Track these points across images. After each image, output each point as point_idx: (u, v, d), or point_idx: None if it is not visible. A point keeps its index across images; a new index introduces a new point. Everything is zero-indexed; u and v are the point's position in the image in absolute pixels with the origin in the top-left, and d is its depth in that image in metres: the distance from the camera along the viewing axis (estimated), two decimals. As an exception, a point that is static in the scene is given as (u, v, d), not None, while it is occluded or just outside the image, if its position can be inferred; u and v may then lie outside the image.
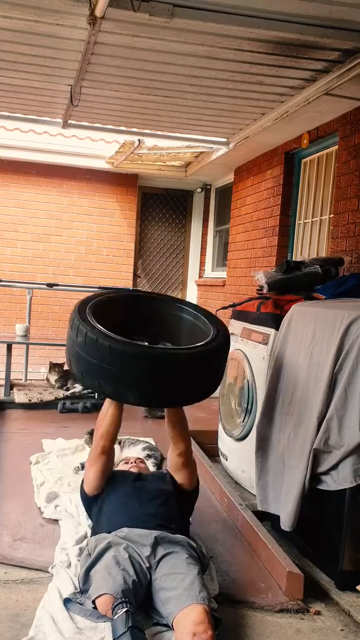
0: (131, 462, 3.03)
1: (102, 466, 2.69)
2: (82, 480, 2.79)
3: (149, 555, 2.28)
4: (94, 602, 2.11)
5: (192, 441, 4.20)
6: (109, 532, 2.43)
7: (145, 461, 3.30)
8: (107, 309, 2.92)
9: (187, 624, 1.97)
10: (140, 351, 2.47)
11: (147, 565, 2.26)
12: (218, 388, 2.86)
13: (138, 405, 2.69)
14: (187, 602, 2.05)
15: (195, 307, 3.15)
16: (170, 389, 2.54)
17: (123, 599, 2.00)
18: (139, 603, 2.15)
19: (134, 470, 2.91)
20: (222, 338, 2.74)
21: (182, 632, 1.96)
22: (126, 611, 1.94)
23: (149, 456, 3.73)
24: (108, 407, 2.70)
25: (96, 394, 5.43)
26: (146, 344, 2.99)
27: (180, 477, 2.73)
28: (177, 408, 2.72)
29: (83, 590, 2.25)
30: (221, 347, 2.71)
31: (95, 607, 2.12)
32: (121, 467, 3.01)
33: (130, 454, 3.53)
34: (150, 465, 3.45)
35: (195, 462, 2.83)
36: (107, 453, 2.71)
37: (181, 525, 2.57)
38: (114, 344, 2.42)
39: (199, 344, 2.65)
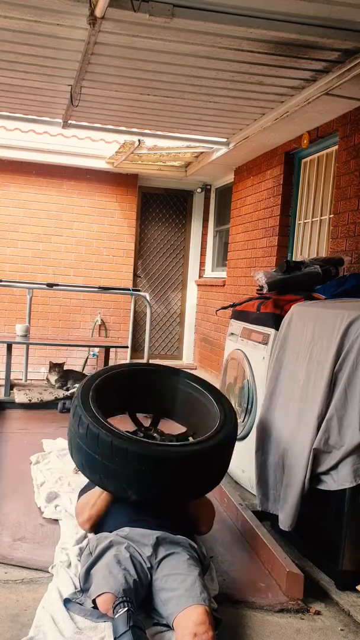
0: None
1: (92, 531, 2.69)
2: (79, 495, 2.81)
3: (150, 556, 2.28)
4: (94, 601, 2.11)
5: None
6: (110, 531, 2.43)
7: None
8: (109, 387, 2.84)
9: (188, 624, 1.97)
10: (142, 450, 2.40)
11: (148, 565, 2.26)
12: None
13: (139, 501, 2.63)
14: (188, 602, 2.05)
15: (204, 384, 3.07)
16: (174, 486, 2.48)
17: (124, 598, 2.00)
18: (140, 603, 2.15)
19: None
20: (229, 426, 2.65)
21: (183, 633, 1.96)
22: (127, 610, 1.94)
23: None
24: (100, 494, 2.65)
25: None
26: (147, 427, 2.92)
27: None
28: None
29: (84, 589, 2.25)
30: (228, 438, 2.63)
31: (95, 607, 2.12)
32: None
33: None
34: None
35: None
36: (94, 526, 2.68)
37: (183, 526, 2.57)
38: (116, 441, 2.37)
39: (204, 437, 2.56)
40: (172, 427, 3.18)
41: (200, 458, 2.48)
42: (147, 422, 3.15)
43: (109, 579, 2.10)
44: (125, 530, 2.40)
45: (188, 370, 3.31)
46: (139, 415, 3.17)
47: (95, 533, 2.67)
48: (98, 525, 2.65)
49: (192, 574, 2.18)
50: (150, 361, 6.65)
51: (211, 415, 2.77)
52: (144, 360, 6.37)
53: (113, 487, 2.53)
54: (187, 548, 2.36)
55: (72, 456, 2.69)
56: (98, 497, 2.65)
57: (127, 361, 6.73)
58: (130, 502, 2.54)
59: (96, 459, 2.45)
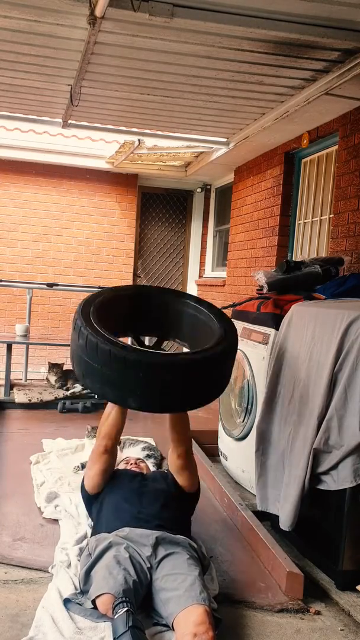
0: (131, 463, 3.03)
1: (104, 465, 2.69)
2: (83, 479, 2.79)
3: (149, 556, 2.28)
4: (94, 601, 2.11)
5: (193, 441, 4.21)
6: (110, 532, 2.43)
7: (145, 461, 3.30)
8: (113, 306, 2.86)
9: (188, 624, 1.97)
10: (140, 357, 2.42)
11: (148, 565, 2.26)
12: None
13: (140, 411, 2.66)
14: (187, 602, 2.05)
15: (206, 304, 3.08)
16: (173, 395, 2.50)
17: (124, 598, 2.00)
18: (139, 603, 2.15)
19: (134, 470, 2.91)
20: (229, 340, 2.67)
21: (183, 633, 1.96)
22: (127, 611, 1.94)
23: (148, 456, 3.73)
24: (111, 409, 2.69)
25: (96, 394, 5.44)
26: (150, 346, 2.96)
27: (180, 479, 2.73)
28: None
29: (84, 591, 2.25)
30: (227, 350, 2.63)
31: (95, 607, 2.12)
32: (121, 467, 3.01)
33: (131, 454, 3.53)
34: (151, 465, 3.45)
35: (195, 463, 2.82)
36: (110, 452, 2.70)
37: (182, 526, 2.57)
38: (115, 349, 2.39)
39: (204, 347, 2.59)
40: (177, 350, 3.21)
41: (199, 366, 2.49)
42: (151, 344, 3.18)
43: (108, 580, 2.10)
44: (125, 531, 2.40)
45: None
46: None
47: (96, 521, 2.68)
48: (98, 521, 2.64)
49: (192, 574, 2.18)
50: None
51: (213, 333, 2.77)
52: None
53: (113, 396, 2.55)
54: (186, 548, 2.36)
55: (73, 367, 2.71)
56: (108, 414, 2.68)
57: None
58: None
59: (96, 368, 2.46)
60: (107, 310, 2.77)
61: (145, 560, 2.27)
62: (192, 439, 4.22)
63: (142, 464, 3.07)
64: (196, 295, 8.24)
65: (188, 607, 2.02)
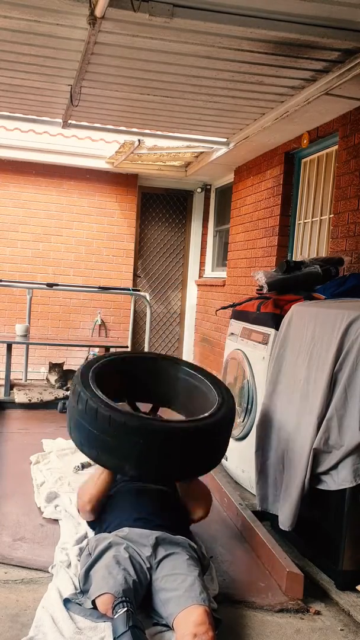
0: None
1: (94, 516, 2.69)
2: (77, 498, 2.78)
3: (149, 556, 2.28)
4: (94, 601, 2.11)
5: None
6: (110, 532, 2.43)
7: None
8: (110, 372, 2.84)
9: (188, 624, 1.97)
10: (140, 424, 2.40)
11: (148, 565, 2.26)
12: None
13: (137, 479, 2.63)
14: (187, 602, 2.05)
15: (202, 371, 3.06)
16: (172, 463, 2.47)
17: (124, 598, 2.00)
18: (139, 603, 2.15)
19: None
20: (227, 408, 2.65)
21: (183, 633, 1.96)
22: (127, 610, 1.94)
23: None
24: (101, 472, 2.65)
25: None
26: (148, 414, 2.91)
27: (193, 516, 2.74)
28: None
29: (83, 591, 2.25)
30: (226, 419, 2.62)
31: (95, 607, 2.12)
32: None
33: None
34: None
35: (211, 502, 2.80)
36: (96, 510, 2.68)
37: (182, 526, 2.57)
38: (115, 415, 2.37)
39: (202, 415, 2.56)
40: (172, 416, 3.19)
41: (198, 434, 2.47)
42: (147, 411, 3.15)
43: (108, 580, 2.10)
44: (125, 531, 2.40)
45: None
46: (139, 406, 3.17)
47: (95, 526, 2.67)
48: (99, 515, 2.64)
49: (191, 574, 2.18)
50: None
51: (209, 401, 2.76)
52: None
53: (111, 463, 2.53)
54: (186, 548, 2.36)
55: (70, 435, 2.68)
56: (98, 476, 2.65)
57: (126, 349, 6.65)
58: (130, 492, 2.56)
59: (94, 434, 2.45)
60: (104, 376, 2.74)
61: (145, 560, 2.27)
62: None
63: None
64: (194, 301, 8.28)
65: (188, 607, 2.03)
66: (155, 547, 2.31)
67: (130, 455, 2.43)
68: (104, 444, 2.44)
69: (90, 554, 2.34)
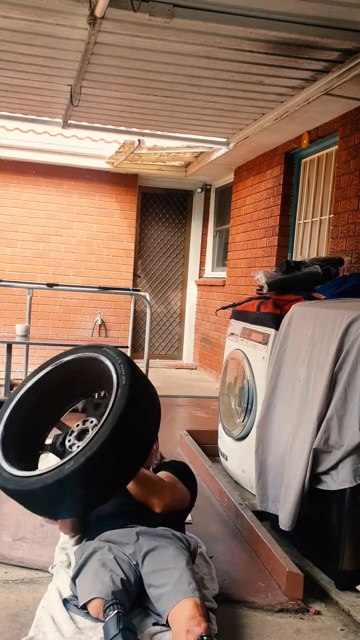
0: None
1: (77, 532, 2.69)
2: None
3: (132, 553, 2.27)
4: (85, 607, 2.10)
5: (192, 441, 4.22)
6: (92, 539, 2.43)
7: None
8: (23, 411, 2.47)
9: (180, 621, 1.96)
10: (15, 489, 2.14)
11: (134, 562, 2.25)
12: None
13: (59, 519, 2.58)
14: (177, 598, 2.03)
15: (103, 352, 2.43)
16: (81, 500, 2.16)
17: (113, 600, 1.99)
18: (133, 600, 2.14)
19: None
20: (113, 426, 2.05)
21: (178, 631, 1.95)
22: (117, 613, 1.93)
23: None
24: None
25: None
26: (61, 449, 2.43)
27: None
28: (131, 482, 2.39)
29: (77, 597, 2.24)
30: (105, 450, 2.03)
31: (88, 612, 2.11)
32: None
33: None
34: None
35: (177, 492, 2.60)
36: (80, 531, 2.67)
37: (160, 518, 2.48)
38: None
39: (62, 462, 2.11)
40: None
41: (56, 486, 2.08)
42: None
43: (96, 584, 2.09)
44: (105, 534, 2.39)
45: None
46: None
47: (80, 542, 2.65)
48: (82, 535, 2.64)
49: (178, 566, 2.15)
50: (150, 361, 6.64)
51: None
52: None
53: (43, 515, 2.54)
54: (170, 539, 2.32)
55: None
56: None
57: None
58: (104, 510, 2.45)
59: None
60: (16, 424, 2.40)
61: (130, 557, 2.26)
62: (192, 438, 4.24)
63: None
64: (194, 301, 8.27)
65: (179, 603, 2.01)
66: (137, 542, 2.30)
67: (33, 510, 2.27)
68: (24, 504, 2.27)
69: (77, 563, 2.33)
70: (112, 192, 7.78)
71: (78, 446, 2.25)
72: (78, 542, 2.65)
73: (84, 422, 2.37)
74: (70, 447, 2.33)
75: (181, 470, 2.74)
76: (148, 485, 2.49)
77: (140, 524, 2.43)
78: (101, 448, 2.03)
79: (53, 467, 2.13)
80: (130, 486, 2.44)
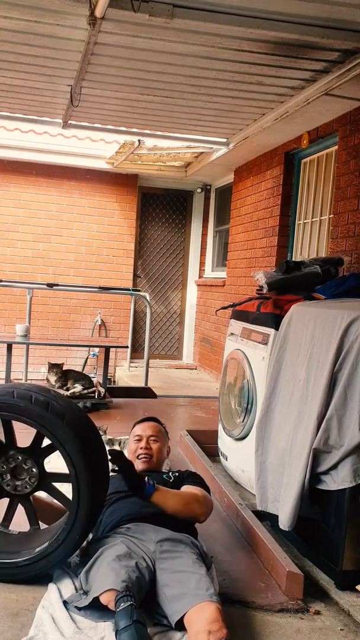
0: (142, 447, 2.91)
1: None
2: None
3: (153, 552, 2.28)
4: (97, 599, 2.09)
5: (192, 441, 4.22)
6: (112, 529, 2.44)
7: (161, 438, 3.06)
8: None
9: (201, 621, 1.94)
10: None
11: (151, 561, 2.25)
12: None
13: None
14: (197, 599, 2.03)
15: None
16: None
17: (127, 592, 1.98)
18: (142, 599, 2.14)
19: (142, 454, 2.87)
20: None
21: (197, 631, 1.94)
22: (131, 604, 1.93)
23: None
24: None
25: (95, 394, 5.46)
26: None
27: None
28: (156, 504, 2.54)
29: (86, 590, 2.23)
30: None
31: (94, 605, 2.10)
32: (132, 444, 2.97)
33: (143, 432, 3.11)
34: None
35: (210, 502, 2.73)
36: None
37: (183, 524, 2.55)
38: None
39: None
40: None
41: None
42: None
43: (110, 576, 2.09)
44: (128, 526, 2.41)
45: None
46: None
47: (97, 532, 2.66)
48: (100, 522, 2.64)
49: (198, 572, 2.17)
50: (150, 361, 6.65)
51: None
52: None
53: None
54: (190, 546, 2.36)
55: None
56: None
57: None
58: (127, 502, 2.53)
59: None
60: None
61: (148, 556, 2.26)
62: (192, 439, 4.24)
63: (155, 444, 2.96)
64: (194, 301, 8.27)
65: (199, 604, 2.00)
66: (158, 543, 2.31)
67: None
68: None
69: (90, 554, 2.34)
70: (112, 192, 7.78)
71: (17, 485, 2.53)
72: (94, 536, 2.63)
73: (10, 458, 2.58)
74: (7, 485, 2.55)
75: (202, 481, 2.86)
76: (191, 503, 2.63)
77: (159, 521, 2.45)
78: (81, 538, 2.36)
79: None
80: (172, 507, 2.55)
